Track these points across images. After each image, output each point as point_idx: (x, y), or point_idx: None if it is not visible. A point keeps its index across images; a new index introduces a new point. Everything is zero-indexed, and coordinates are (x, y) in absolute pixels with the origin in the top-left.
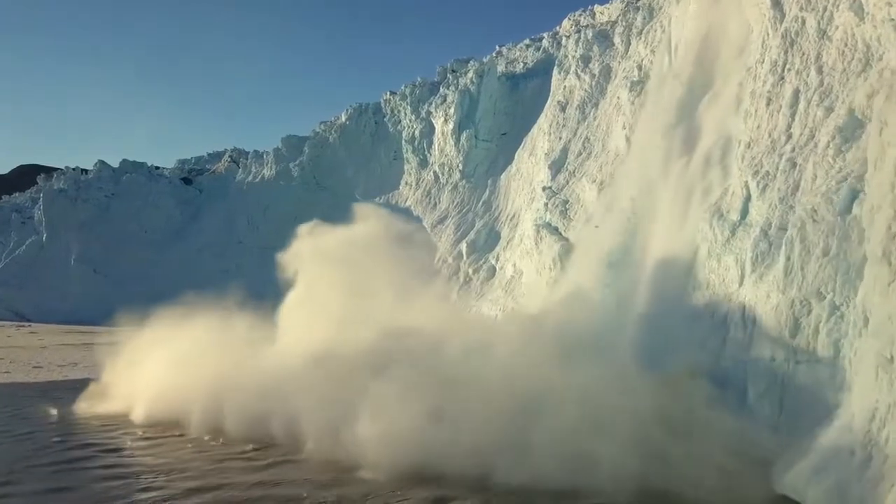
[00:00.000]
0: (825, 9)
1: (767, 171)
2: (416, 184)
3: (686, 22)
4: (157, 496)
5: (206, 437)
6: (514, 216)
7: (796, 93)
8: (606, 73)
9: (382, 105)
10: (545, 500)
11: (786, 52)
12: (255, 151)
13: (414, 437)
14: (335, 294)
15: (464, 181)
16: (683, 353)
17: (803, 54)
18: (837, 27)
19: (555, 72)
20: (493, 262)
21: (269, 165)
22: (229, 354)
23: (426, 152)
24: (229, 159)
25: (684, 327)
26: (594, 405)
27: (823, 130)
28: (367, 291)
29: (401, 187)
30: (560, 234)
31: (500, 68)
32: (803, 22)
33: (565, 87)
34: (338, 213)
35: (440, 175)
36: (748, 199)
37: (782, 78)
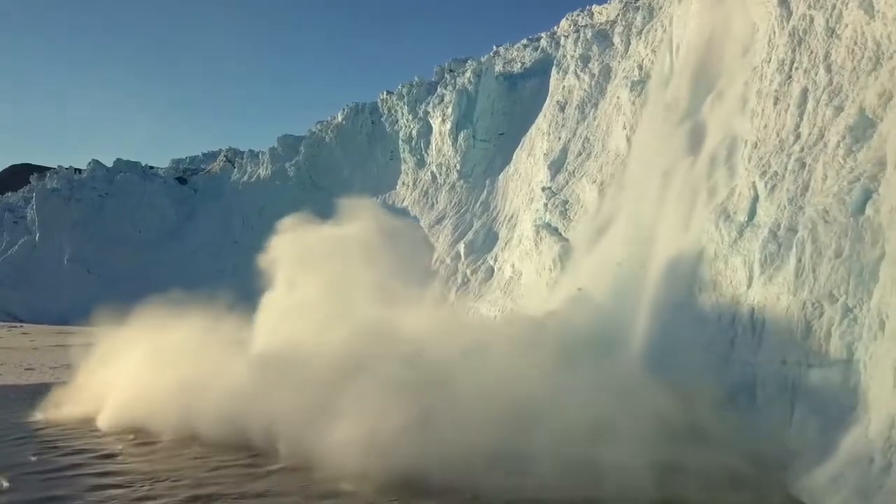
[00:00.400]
0: (834, 7)
1: (776, 172)
2: (414, 184)
3: (688, 21)
4: None
5: (174, 443)
6: (512, 217)
7: (804, 92)
8: (606, 72)
9: (379, 105)
10: None
11: (793, 51)
12: (251, 151)
13: (395, 443)
14: (315, 294)
15: (461, 181)
16: (689, 355)
17: (811, 53)
18: (847, 25)
19: (553, 71)
20: (492, 262)
21: (264, 165)
22: (207, 356)
23: (423, 152)
24: (224, 159)
25: (690, 329)
26: (599, 410)
27: (833, 130)
28: (348, 291)
29: (398, 187)
30: (560, 234)
31: (498, 68)
32: (811, 20)
33: (564, 86)
34: (334, 214)
35: (438, 175)
36: (756, 199)
37: (790, 77)
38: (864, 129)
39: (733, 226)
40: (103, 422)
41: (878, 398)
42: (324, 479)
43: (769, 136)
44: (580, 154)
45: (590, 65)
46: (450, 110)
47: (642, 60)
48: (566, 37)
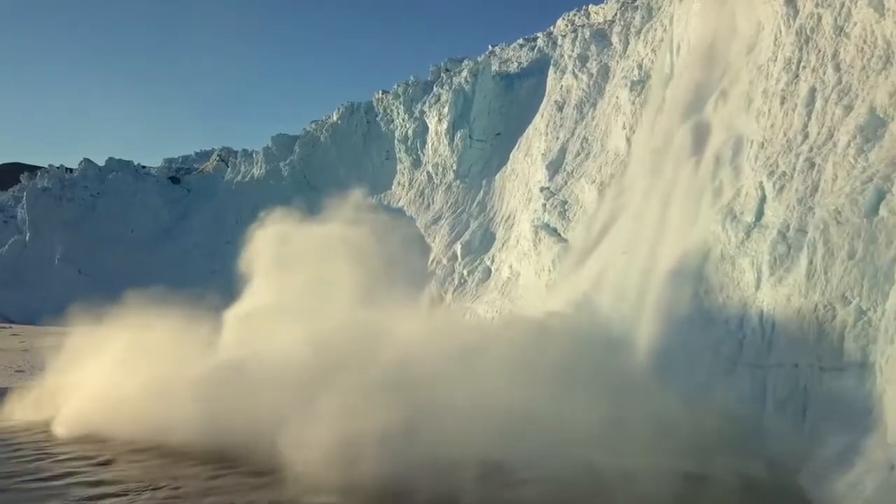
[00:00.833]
0: (842, 5)
1: (784, 172)
2: (409, 184)
3: (689, 20)
4: None
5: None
6: (509, 217)
7: (812, 91)
8: (604, 72)
9: (375, 104)
10: None
11: (800, 50)
12: (245, 150)
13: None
14: (292, 295)
15: (458, 181)
16: (696, 358)
17: (819, 51)
18: (856, 24)
19: (551, 71)
20: (489, 263)
21: (258, 165)
22: (178, 359)
23: (419, 152)
24: (218, 158)
25: (697, 332)
26: (602, 416)
27: (843, 129)
28: (330, 291)
29: (393, 187)
30: (559, 235)
31: (494, 68)
32: (819, 18)
33: (562, 86)
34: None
35: (434, 175)
36: (763, 199)
37: (797, 76)
38: (875, 128)
39: (740, 226)
40: (60, 427)
41: (895, 402)
42: (323, 489)
43: (776, 135)
44: (579, 154)
45: (588, 64)
46: (446, 110)
47: (642, 60)
48: (563, 36)
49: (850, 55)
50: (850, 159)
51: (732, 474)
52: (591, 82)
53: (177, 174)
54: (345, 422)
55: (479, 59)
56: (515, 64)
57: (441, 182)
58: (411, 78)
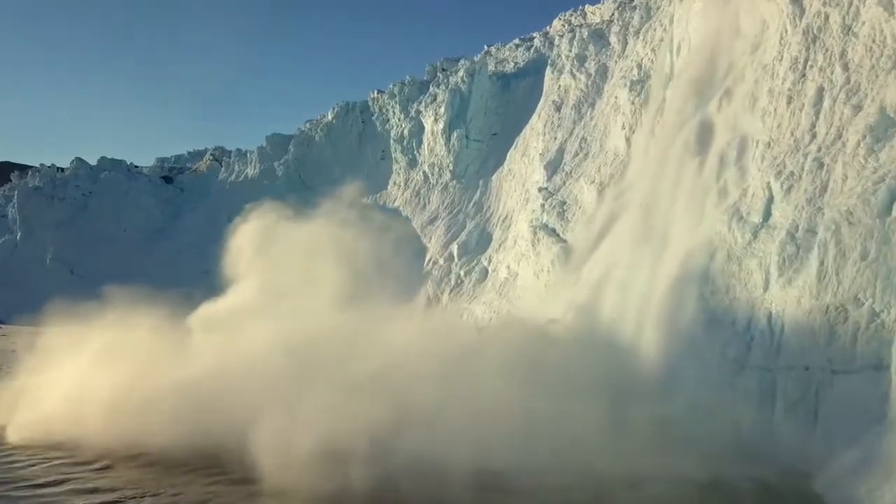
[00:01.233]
0: (850, 4)
1: (791, 172)
2: (405, 184)
3: (690, 20)
4: None
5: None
6: (506, 217)
7: (820, 90)
8: (603, 72)
9: (370, 104)
10: None
11: (807, 49)
12: (239, 150)
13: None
14: (273, 295)
15: (454, 181)
16: (703, 361)
17: (827, 51)
18: (864, 23)
19: (548, 71)
20: (486, 263)
21: (252, 164)
22: (149, 360)
23: (415, 152)
24: (211, 157)
25: (703, 334)
26: (607, 420)
27: (852, 129)
28: (314, 291)
29: (389, 187)
30: (558, 235)
31: (491, 68)
32: (826, 17)
33: (560, 86)
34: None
35: (430, 175)
36: (770, 200)
37: (804, 75)
38: (885, 128)
39: (747, 227)
40: (14, 434)
41: None
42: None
43: (783, 135)
44: (577, 154)
45: (586, 64)
46: (442, 110)
47: (641, 60)
48: (561, 36)
49: (859, 54)
50: (861, 159)
51: (743, 480)
52: (590, 82)
53: (170, 174)
54: (311, 430)
55: (476, 58)
56: (512, 64)
57: (437, 182)
58: (407, 77)
